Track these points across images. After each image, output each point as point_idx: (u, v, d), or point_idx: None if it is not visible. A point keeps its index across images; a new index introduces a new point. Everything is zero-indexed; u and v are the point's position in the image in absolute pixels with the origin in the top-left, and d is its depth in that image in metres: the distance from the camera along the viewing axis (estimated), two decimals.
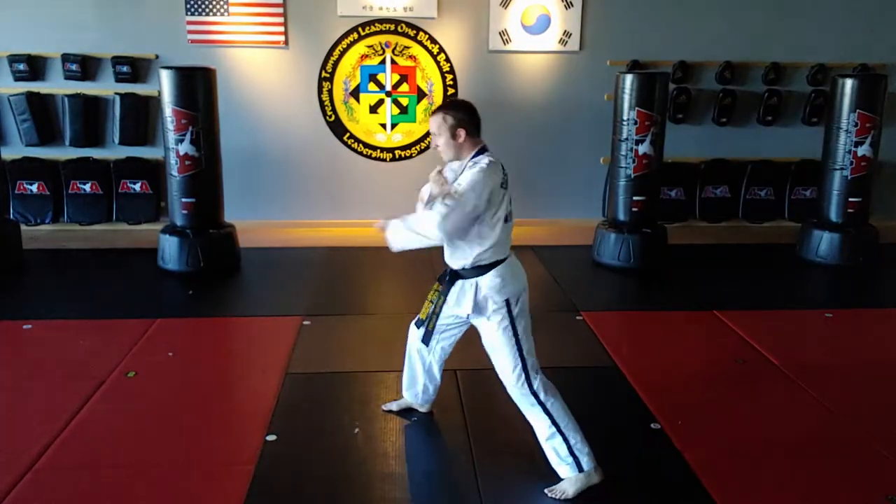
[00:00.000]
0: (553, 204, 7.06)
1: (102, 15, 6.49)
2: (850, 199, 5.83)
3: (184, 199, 5.49)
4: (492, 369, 3.64)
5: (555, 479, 2.85)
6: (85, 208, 6.77)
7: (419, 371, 3.28)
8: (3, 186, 6.06)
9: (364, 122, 6.87)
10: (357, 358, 4.10)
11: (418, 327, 3.14)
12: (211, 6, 6.48)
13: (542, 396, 2.81)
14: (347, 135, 6.89)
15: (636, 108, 5.54)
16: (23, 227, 6.06)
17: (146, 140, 6.74)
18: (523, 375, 2.82)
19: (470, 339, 4.32)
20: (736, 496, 2.82)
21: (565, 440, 2.79)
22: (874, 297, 5.43)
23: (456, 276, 2.90)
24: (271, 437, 3.19)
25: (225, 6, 6.49)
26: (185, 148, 5.37)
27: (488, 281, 2.83)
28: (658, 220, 5.90)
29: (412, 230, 2.78)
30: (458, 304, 2.91)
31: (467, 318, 2.92)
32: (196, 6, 6.49)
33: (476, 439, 3.21)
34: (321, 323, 4.56)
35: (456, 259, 2.88)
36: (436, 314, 3.00)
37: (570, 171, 7.03)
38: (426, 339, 3.09)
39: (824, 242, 5.86)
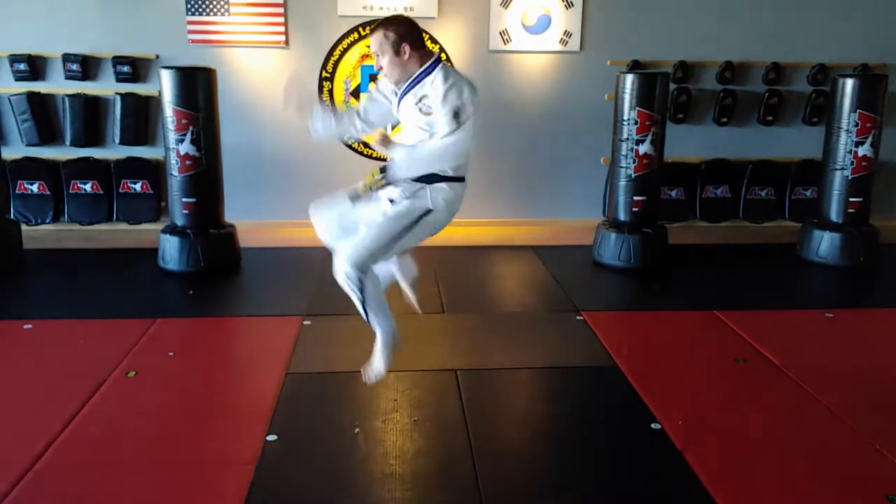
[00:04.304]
0: (553, 204, 7.04)
1: (103, 15, 6.49)
2: (851, 199, 5.82)
3: (184, 199, 5.49)
4: (493, 370, 3.63)
5: (556, 479, 2.85)
6: (85, 208, 6.78)
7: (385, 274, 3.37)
8: (3, 186, 6.06)
9: None
10: (357, 358, 4.07)
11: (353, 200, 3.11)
12: (211, 6, 6.48)
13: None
14: None
15: (636, 108, 5.54)
16: (23, 226, 6.05)
17: (147, 140, 6.74)
18: (362, 258, 2.84)
19: (470, 339, 4.33)
20: (736, 496, 2.81)
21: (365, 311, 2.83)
22: (875, 297, 5.42)
23: None
24: (271, 437, 3.18)
25: (225, 6, 6.49)
26: (186, 148, 5.37)
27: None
28: (658, 220, 5.89)
29: (431, 162, 2.74)
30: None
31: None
32: (196, 6, 6.49)
33: (476, 439, 3.20)
34: (321, 323, 4.55)
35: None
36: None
37: (570, 171, 7.02)
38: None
39: (825, 242, 5.85)
